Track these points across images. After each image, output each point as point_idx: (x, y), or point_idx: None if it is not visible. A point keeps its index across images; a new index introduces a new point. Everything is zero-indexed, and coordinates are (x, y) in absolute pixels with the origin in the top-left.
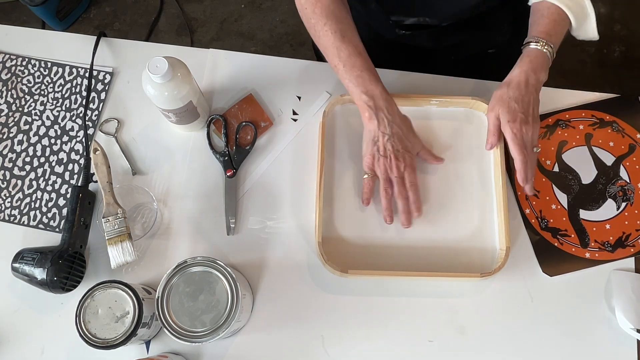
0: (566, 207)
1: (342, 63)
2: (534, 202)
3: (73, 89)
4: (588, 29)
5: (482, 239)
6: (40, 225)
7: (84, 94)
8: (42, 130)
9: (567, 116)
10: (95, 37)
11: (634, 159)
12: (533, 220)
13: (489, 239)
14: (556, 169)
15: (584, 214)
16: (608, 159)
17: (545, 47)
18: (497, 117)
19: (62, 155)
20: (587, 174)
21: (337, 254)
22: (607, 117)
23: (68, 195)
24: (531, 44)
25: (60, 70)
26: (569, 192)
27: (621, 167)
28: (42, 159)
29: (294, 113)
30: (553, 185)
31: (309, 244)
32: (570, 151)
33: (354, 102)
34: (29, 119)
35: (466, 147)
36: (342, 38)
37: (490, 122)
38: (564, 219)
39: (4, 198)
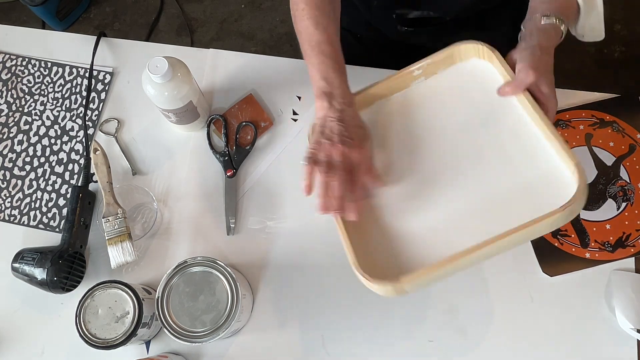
0: None
1: (311, 48)
2: None
3: (73, 89)
4: (594, 21)
5: (538, 177)
6: (40, 225)
7: (84, 94)
8: (42, 130)
9: (567, 116)
10: (95, 37)
11: (634, 159)
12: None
13: (546, 171)
14: None
15: (584, 214)
16: (608, 159)
17: (562, 26)
18: (531, 78)
19: (62, 155)
20: (587, 174)
21: (374, 267)
22: (607, 117)
23: (68, 195)
24: (544, 18)
25: (60, 70)
26: None
27: (621, 167)
28: (42, 159)
29: (294, 113)
30: None
31: (309, 243)
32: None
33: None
34: (29, 119)
35: (479, 105)
36: (316, 25)
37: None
38: None
39: (4, 198)
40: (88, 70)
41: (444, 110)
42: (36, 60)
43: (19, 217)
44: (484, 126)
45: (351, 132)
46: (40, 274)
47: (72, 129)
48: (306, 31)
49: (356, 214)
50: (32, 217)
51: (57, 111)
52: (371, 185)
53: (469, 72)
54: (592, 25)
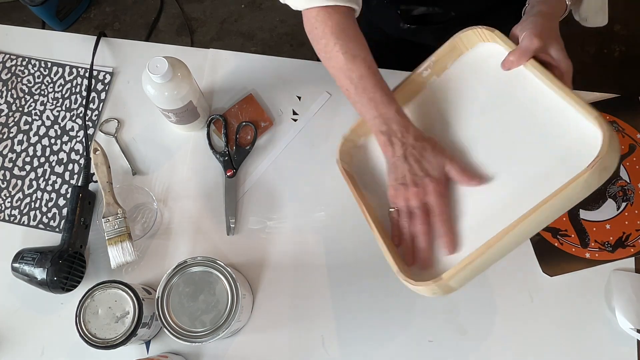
0: None
1: (354, 86)
2: None
3: (73, 89)
4: (598, 3)
5: (567, 144)
6: (40, 225)
7: (84, 94)
8: (42, 130)
9: None
10: (95, 37)
11: (634, 159)
12: None
13: (575, 135)
14: None
15: (584, 214)
16: None
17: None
18: (540, 45)
19: (62, 155)
20: None
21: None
22: (607, 117)
23: (68, 195)
24: None
25: (60, 70)
26: None
27: (621, 167)
28: (42, 159)
29: (294, 113)
30: None
31: (309, 243)
32: None
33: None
34: (29, 119)
35: (496, 86)
36: (353, 59)
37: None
38: (564, 219)
39: (4, 198)
40: (88, 70)
41: (465, 100)
42: (36, 60)
43: (19, 217)
44: (506, 104)
45: (419, 163)
46: (40, 274)
47: (72, 129)
48: (344, 67)
49: (452, 247)
50: (32, 217)
51: (57, 111)
52: (467, 184)
53: (479, 57)
54: (596, 7)
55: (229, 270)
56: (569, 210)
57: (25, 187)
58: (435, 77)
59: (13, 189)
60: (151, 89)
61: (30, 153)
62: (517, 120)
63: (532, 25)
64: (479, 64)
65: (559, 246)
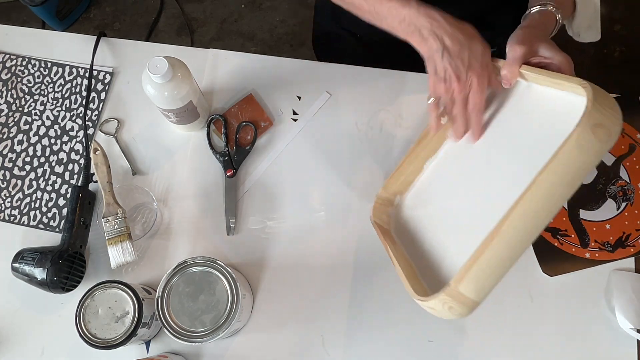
0: (566, 207)
1: (368, 4)
2: None
3: (73, 89)
4: (591, 19)
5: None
6: (40, 225)
7: (84, 94)
8: (42, 130)
9: None
10: (95, 37)
11: (634, 159)
12: None
13: (560, 113)
14: None
15: (584, 214)
16: (608, 159)
17: (558, 14)
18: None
19: (62, 155)
20: (589, 174)
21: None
22: None
23: (68, 195)
24: (534, 8)
25: (60, 70)
26: None
27: (621, 167)
28: (42, 159)
29: (294, 113)
30: None
31: (309, 243)
32: None
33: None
34: (29, 119)
35: (504, 100)
36: None
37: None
38: (564, 219)
39: (4, 198)
40: (88, 70)
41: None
42: (36, 60)
43: (19, 217)
44: (509, 115)
45: (459, 55)
46: (40, 274)
47: (72, 129)
48: None
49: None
50: (32, 217)
51: (57, 111)
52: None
53: None
54: (588, 23)
55: (229, 270)
56: (569, 211)
57: (25, 187)
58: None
59: (13, 189)
60: (151, 89)
61: (30, 153)
62: (516, 125)
63: (514, 36)
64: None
65: (558, 246)
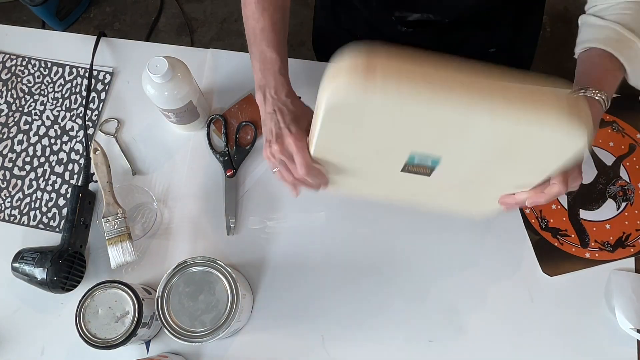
0: (566, 207)
1: (254, 36)
2: None
3: (73, 89)
4: None
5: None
6: (40, 225)
7: (84, 94)
8: (42, 130)
9: None
10: (95, 37)
11: (634, 158)
12: (533, 220)
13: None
14: None
15: (584, 214)
16: (608, 159)
17: (598, 95)
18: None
19: (62, 155)
20: (587, 174)
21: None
22: (607, 117)
23: (68, 195)
24: (580, 92)
25: (60, 70)
26: (568, 192)
27: (621, 167)
28: (42, 159)
29: None
30: None
31: (308, 243)
32: None
33: None
34: (29, 119)
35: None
36: (262, 11)
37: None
38: (564, 219)
39: (4, 198)
40: (88, 70)
41: None
42: (36, 60)
43: (19, 217)
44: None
45: (284, 118)
46: (40, 273)
47: (72, 129)
48: (252, 17)
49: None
50: (32, 217)
51: (57, 111)
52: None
53: None
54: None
55: (229, 270)
56: (569, 211)
57: (25, 187)
58: None
59: (13, 189)
60: (151, 89)
61: (30, 153)
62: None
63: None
64: None
65: (559, 246)
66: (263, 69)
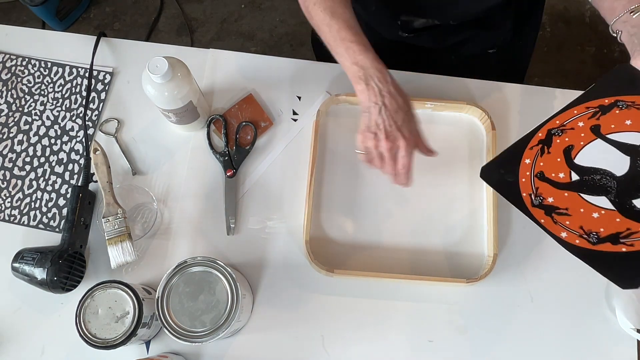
0: (613, 207)
1: (333, 39)
2: (566, 222)
3: (73, 89)
4: None
5: (471, 245)
6: (40, 225)
7: (84, 94)
8: (42, 130)
9: (557, 122)
10: (95, 37)
11: None
12: (578, 241)
13: (478, 245)
14: (575, 177)
15: (638, 203)
16: (635, 139)
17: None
18: None
19: (62, 155)
20: (618, 164)
21: (325, 254)
22: (606, 101)
23: (68, 195)
24: (634, 14)
25: (60, 70)
26: (606, 192)
27: None
28: (42, 159)
29: (294, 113)
30: (581, 195)
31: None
32: (582, 152)
33: (348, 101)
34: (29, 119)
35: (458, 152)
36: (332, 14)
37: None
38: (618, 219)
39: (4, 198)
40: (88, 70)
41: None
42: (36, 60)
43: (19, 217)
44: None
45: (395, 114)
46: (40, 274)
47: (72, 129)
48: (323, 23)
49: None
50: (32, 217)
51: (57, 111)
52: (425, 154)
53: (471, 123)
54: None
55: (229, 270)
56: (619, 209)
57: (25, 187)
58: (430, 109)
59: (13, 189)
60: (151, 89)
61: (30, 153)
62: (459, 184)
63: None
64: (468, 126)
65: (628, 249)
66: (356, 61)
